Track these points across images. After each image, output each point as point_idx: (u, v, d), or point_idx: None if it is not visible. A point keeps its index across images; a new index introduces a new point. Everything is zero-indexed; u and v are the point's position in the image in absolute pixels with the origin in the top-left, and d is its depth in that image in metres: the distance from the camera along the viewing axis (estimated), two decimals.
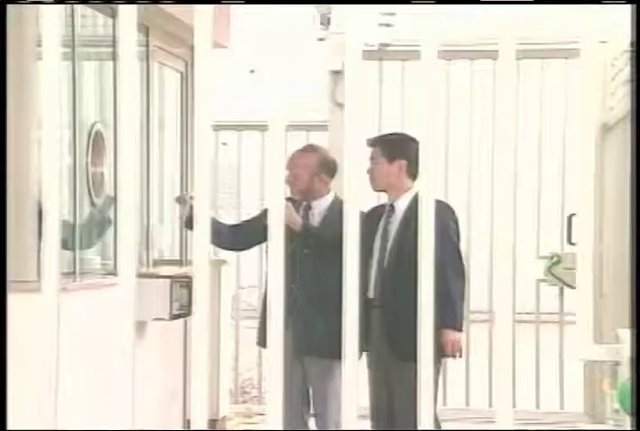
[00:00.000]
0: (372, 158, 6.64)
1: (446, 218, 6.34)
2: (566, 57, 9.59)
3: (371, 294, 6.48)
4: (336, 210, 6.60)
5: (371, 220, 6.50)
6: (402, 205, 6.58)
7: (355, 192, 2.57)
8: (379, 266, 6.51)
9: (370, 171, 6.60)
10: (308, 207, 6.99)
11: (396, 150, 6.66)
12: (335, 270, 6.38)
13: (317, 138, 10.52)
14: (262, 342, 6.71)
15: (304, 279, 6.53)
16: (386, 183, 6.66)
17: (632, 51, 2.21)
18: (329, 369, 6.58)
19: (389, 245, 6.53)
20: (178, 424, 7.34)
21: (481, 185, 9.85)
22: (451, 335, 6.26)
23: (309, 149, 7.20)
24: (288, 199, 6.59)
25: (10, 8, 5.10)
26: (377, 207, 6.80)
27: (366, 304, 6.08)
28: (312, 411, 6.81)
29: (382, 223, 6.65)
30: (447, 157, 9.74)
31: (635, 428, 2.27)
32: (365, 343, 6.13)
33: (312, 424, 6.77)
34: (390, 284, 6.41)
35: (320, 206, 6.98)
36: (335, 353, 6.75)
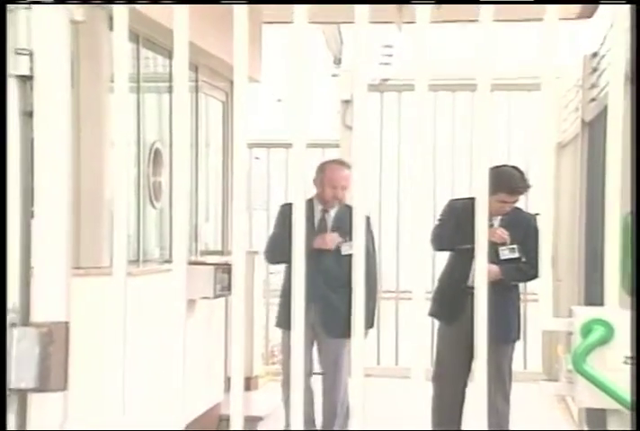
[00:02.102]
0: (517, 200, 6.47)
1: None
2: (529, 90, 9.59)
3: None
4: (343, 213, 6.63)
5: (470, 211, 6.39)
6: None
7: (364, 199, 2.55)
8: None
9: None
10: (325, 211, 6.80)
11: (528, 185, 6.58)
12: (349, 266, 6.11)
13: (331, 155, 10.54)
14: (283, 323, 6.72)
15: (325, 273, 6.47)
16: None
17: (632, 51, 2.14)
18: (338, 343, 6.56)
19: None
20: (220, 380, 7.33)
21: (461, 191, 9.86)
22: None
23: (347, 164, 6.85)
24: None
25: (88, 51, 5.12)
26: (466, 201, 6.41)
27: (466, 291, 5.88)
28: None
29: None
30: (434, 166, 9.73)
31: (635, 428, 2.21)
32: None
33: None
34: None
35: (334, 210, 6.80)
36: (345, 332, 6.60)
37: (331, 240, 6.62)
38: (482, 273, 2.34)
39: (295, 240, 2.44)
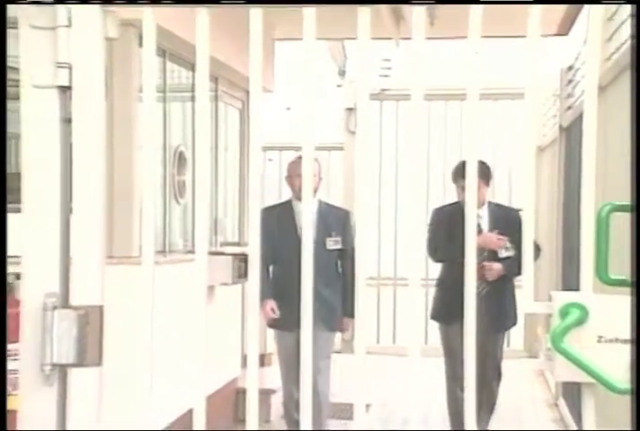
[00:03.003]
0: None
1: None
2: (513, 99, 9.59)
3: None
4: (324, 209, 6.17)
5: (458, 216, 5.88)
6: (484, 212, 6.22)
7: (365, 197, 2.55)
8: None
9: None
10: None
11: (489, 174, 6.28)
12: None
13: (336, 156, 10.53)
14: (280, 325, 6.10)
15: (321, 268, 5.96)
16: (483, 200, 6.18)
17: (632, 50, 2.08)
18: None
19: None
20: (237, 357, 7.34)
21: (452, 188, 9.87)
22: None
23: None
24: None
25: (120, 65, 5.12)
26: (450, 207, 6.27)
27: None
28: None
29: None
30: (428, 166, 9.73)
31: (635, 428, 2.15)
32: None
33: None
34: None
35: (313, 206, 5.98)
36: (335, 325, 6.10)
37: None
38: (471, 273, 2.33)
39: (304, 239, 2.41)
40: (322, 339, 5.95)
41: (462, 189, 5.73)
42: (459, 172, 5.73)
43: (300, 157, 6.08)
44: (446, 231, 5.96)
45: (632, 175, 2.19)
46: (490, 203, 6.31)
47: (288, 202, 6.29)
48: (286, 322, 5.84)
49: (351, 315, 5.97)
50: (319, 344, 5.78)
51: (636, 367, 2.15)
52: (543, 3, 2.25)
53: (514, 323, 6.51)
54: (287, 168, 6.38)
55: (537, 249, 5.88)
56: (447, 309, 6.04)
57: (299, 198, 5.95)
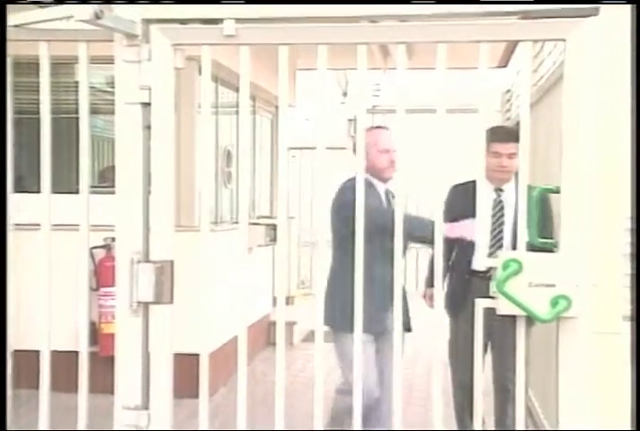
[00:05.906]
0: (514, 153, 3.78)
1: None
2: (469, 113, 9.53)
3: (480, 266, 3.39)
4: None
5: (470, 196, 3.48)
6: (511, 188, 3.87)
7: (362, 184, 2.53)
8: (496, 240, 3.44)
9: (513, 164, 3.84)
10: (389, 191, 3.79)
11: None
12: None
13: (340, 155, 10.48)
14: None
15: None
16: (516, 168, 3.55)
17: (632, 51, 1.97)
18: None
19: (512, 221, 3.52)
20: (269, 298, 7.35)
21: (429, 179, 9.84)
22: None
23: (384, 127, 3.88)
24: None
25: (185, 88, 5.10)
26: (467, 184, 3.91)
27: (472, 275, 3.48)
28: None
29: (495, 202, 3.82)
30: (407, 161, 9.68)
31: (635, 428, 1.93)
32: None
33: None
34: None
35: (384, 188, 3.81)
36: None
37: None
38: (439, 252, 2.31)
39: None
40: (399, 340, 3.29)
41: (494, 154, 3.91)
42: (497, 136, 3.85)
43: (380, 127, 3.82)
44: (460, 209, 3.26)
45: (632, 183, 2.10)
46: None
47: (368, 181, 3.51)
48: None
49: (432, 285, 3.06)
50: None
51: (636, 367, 2.00)
52: (542, 3, 2.08)
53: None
54: (367, 138, 3.00)
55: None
56: (451, 299, 3.73)
57: (380, 178, 3.79)
